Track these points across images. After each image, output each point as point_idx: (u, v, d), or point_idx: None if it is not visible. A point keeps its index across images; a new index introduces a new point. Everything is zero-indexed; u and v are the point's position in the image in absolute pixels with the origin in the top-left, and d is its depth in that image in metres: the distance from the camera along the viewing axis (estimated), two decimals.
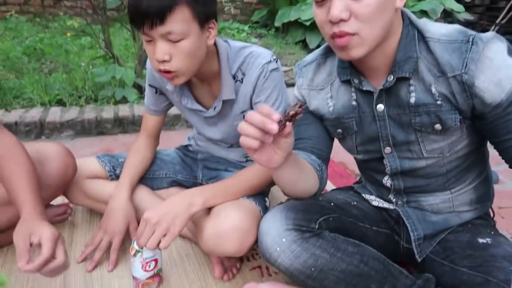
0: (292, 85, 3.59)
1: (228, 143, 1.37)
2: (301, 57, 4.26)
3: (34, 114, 2.35)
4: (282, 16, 4.93)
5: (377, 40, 0.83)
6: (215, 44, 1.14)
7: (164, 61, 1.00)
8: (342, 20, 0.79)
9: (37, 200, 1.00)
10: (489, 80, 0.80)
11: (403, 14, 0.89)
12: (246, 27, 5.27)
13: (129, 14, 1.00)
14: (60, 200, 1.46)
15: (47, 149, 1.23)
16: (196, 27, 1.00)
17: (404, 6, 0.86)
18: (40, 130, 2.29)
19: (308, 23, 4.51)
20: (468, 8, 6.15)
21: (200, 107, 1.25)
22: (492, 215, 1.11)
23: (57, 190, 1.25)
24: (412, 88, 0.89)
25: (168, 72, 1.03)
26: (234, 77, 1.17)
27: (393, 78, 0.89)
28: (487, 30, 6.38)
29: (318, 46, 4.58)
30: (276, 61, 1.16)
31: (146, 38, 1.01)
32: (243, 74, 1.17)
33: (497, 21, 6.39)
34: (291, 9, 4.84)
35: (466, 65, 0.80)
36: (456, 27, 0.86)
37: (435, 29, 0.86)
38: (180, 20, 0.96)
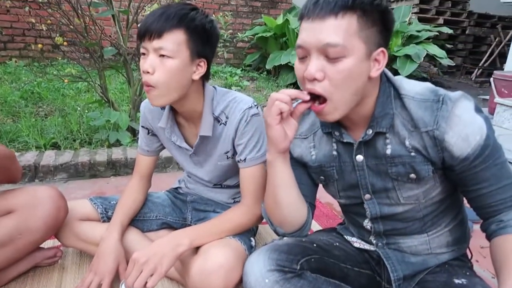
0: None
1: (214, 182, 1.43)
2: None
3: (29, 157, 2.39)
4: (273, 60, 5.12)
5: (349, 105, 0.89)
6: (203, 86, 1.24)
7: (148, 73, 1.11)
8: (316, 79, 0.86)
9: None
10: (457, 135, 0.87)
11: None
12: (238, 71, 5.44)
13: (139, 28, 1.15)
14: (51, 243, 1.48)
15: (39, 193, 1.26)
16: (186, 55, 1.13)
17: (389, 51, 0.94)
18: (34, 173, 2.33)
19: None
20: (451, 52, 6.43)
21: (187, 146, 1.33)
22: (470, 256, 1.15)
23: (47, 232, 1.27)
24: (388, 141, 0.96)
25: (148, 85, 1.13)
26: (218, 119, 1.26)
27: (372, 132, 0.95)
28: (471, 73, 6.65)
29: None
30: (257, 107, 1.26)
31: (143, 51, 1.14)
32: (227, 117, 1.25)
33: (480, 64, 6.68)
34: (281, 54, 5.04)
35: (437, 122, 0.88)
36: (428, 86, 0.93)
37: (410, 87, 0.94)
38: (173, 41, 1.10)
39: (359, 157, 1.00)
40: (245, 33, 5.70)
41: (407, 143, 0.93)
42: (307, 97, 0.89)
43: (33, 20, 2.65)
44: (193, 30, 1.12)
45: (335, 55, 0.83)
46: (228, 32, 5.48)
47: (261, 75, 5.48)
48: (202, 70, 1.18)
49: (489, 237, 0.93)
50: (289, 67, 4.90)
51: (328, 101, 0.87)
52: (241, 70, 5.55)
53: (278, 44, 5.38)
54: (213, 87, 1.30)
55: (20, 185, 2.24)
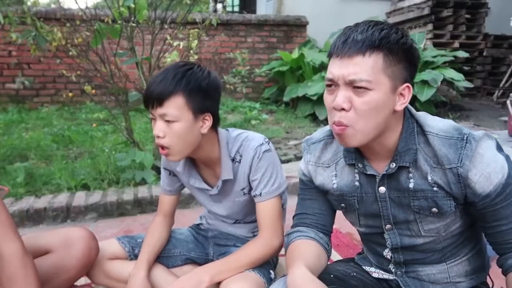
0: (301, 158, 3.67)
1: (233, 219, 1.50)
2: (310, 130, 4.46)
3: (62, 199, 2.54)
4: (291, 92, 5.24)
5: (370, 134, 0.92)
6: (216, 133, 1.33)
7: (159, 137, 1.20)
8: (343, 109, 0.90)
9: None
10: (479, 173, 0.90)
11: (404, 108, 1.00)
12: (257, 105, 5.57)
13: (143, 96, 1.25)
14: (83, 280, 1.56)
15: (73, 234, 1.35)
16: (190, 115, 1.21)
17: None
18: (66, 214, 2.46)
19: (315, 98, 4.78)
20: (470, 74, 6.40)
21: (206, 186, 1.41)
22: (491, 284, 1.15)
23: (81, 271, 1.36)
24: (411, 175, 0.98)
25: (162, 148, 1.23)
26: (233, 159, 1.34)
27: (395, 166, 0.98)
28: (492, 94, 6.57)
29: (327, 118, 4.80)
30: (268, 143, 1.34)
31: (151, 116, 1.24)
32: (241, 156, 1.34)
33: (500, 85, 6.61)
34: (298, 86, 5.16)
35: (462, 160, 0.91)
36: (451, 123, 0.97)
37: (434, 124, 0.97)
38: (174, 106, 1.18)
39: (382, 189, 1.03)
40: (262, 68, 5.88)
41: (429, 178, 0.96)
42: None
43: (64, 71, 2.86)
44: (190, 92, 1.19)
45: (362, 88, 0.88)
46: (246, 68, 5.67)
47: (280, 107, 5.59)
48: (208, 123, 1.26)
49: (505, 272, 0.96)
50: (306, 99, 5.00)
51: (350, 126, 0.91)
52: (260, 104, 5.68)
53: (294, 77, 5.51)
54: (226, 129, 1.38)
55: (54, 226, 2.38)
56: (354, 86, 0.89)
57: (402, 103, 0.93)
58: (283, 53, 5.54)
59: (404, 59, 0.91)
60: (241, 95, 5.85)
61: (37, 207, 2.43)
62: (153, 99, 1.19)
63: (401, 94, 0.93)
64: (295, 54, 5.38)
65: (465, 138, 0.92)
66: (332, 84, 0.93)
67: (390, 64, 0.89)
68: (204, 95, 1.23)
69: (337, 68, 0.91)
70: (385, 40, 0.89)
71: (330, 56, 0.94)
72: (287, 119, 4.93)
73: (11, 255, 1.07)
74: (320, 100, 4.84)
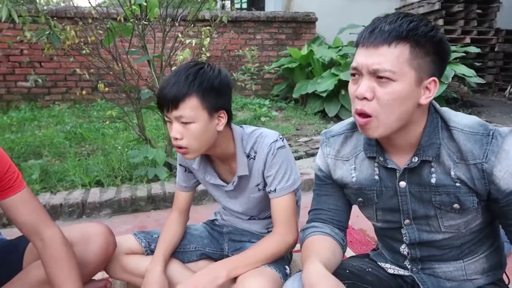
0: (312, 155, 3.67)
1: (248, 215, 1.52)
2: (320, 127, 4.45)
3: (77, 195, 2.59)
4: (300, 89, 5.22)
5: (393, 126, 0.92)
6: (231, 129, 1.35)
7: (176, 139, 1.22)
8: (365, 99, 0.90)
9: None
10: (504, 169, 0.90)
11: (429, 102, 1.00)
12: (266, 102, 5.56)
13: (157, 100, 1.27)
14: (100, 275, 1.59)
15: (91, 229, 1.38)
16: (205, 115, 1.23)
17: None
18: (81, 210, 2.50)
19: (324, 94, 4.77)
20: (482, 70, 6.33)
21: (221, 182, 1.43)
22: (507, 281, 1.15)
23: (99, 265, 1.38)
24: (433, 169, 0.98)
25: (180, 148, 1.24)
26: (248, 155, 1.36)
27: (418, 160, 0.98)
28: (504, 90, 6.49)
29: (337, 115, 4.81)
30: (282, 140, 1.35)
31: (166, 119, 1.26)
32: (255, 152, 1.35)
33: None
34: (308, 83, 5.14)
35: (487, 156, 0.91)
36: (476, 119, 0.96)
37: (458, 119, 0.97)
38: (190, 107, 1.20)
39: (402, 183, 1.03)
40: (271, 65, 5.87)
41: (452, 173, 0.96)
42: None
43: (78, 70, 2.90)
44: (204, 92, 1.21)
45: (385, 79, 0.88)
46: (255, 65, 5.66)
47: (289, 104, 5.58)
48: (224, 120, 1.28)
49: None
50: (316, 96, 4.98)
51: (373, 117, 0.91)
52: (269, 101, 5.68)
53: (304, 73, 5.50)
54: (241, 126, 1.40)
55: (70, 222, 2.42)
56: (377, 76, 0.89)
57: (427, 97, 0.93)
58: (292, 50, 5.53)
59: (432, 52, 0.90)
60: (251, 92, 5.84)
61: (53, 203, 2.47)
62: (167, 102, 1.20)
63: (426, 87, 0.92)
64: (304, 51, 5.36)
65: (491, 134, 0.91)
66: (356, 73, 0.94)
67: (417, 57, 0.89)
68: (217, 94, 1.24)
69: (362, 57, 0.91)
70: (412, 32, 0.88)
71: (357, 45, 0.95)
72: (297, 116, 4.92)
73: (54, 238, 1.19)
74: (329, 97, 4.83)
